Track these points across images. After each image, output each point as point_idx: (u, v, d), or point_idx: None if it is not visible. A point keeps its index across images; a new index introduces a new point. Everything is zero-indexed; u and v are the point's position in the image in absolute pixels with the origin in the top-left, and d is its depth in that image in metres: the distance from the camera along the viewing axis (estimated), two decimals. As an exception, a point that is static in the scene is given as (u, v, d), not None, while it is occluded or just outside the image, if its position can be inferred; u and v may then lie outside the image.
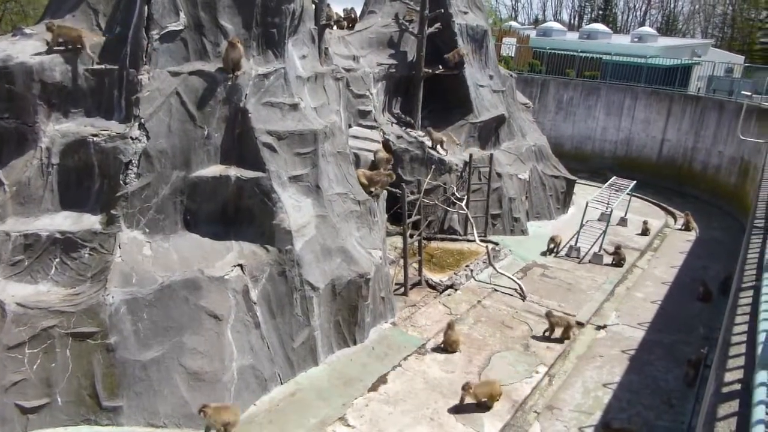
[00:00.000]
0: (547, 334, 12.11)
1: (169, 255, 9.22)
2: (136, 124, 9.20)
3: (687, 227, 20.65)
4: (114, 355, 8.18)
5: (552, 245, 16.69)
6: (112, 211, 8.98)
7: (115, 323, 8.23)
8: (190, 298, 8.87)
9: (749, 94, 24.53)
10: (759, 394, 2.83)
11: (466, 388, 9.42)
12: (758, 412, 2.69)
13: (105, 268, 8.63)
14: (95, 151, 9.17)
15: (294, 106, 10.90)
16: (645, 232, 19.43)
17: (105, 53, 9.77)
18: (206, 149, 9.90)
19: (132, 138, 9.11)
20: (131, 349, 8.31)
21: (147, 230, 9.26)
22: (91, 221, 9.04)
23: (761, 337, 3.27)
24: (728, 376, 3.40)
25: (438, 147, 16.91)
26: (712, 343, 11.34)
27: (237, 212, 10.11)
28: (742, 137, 22.17)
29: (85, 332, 8.12)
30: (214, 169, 9.96)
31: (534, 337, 12.07)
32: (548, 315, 12.20)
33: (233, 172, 9.95)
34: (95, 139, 9.16)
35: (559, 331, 12.08)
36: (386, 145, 16.18)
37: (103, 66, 9.64)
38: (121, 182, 9.03)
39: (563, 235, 18.14)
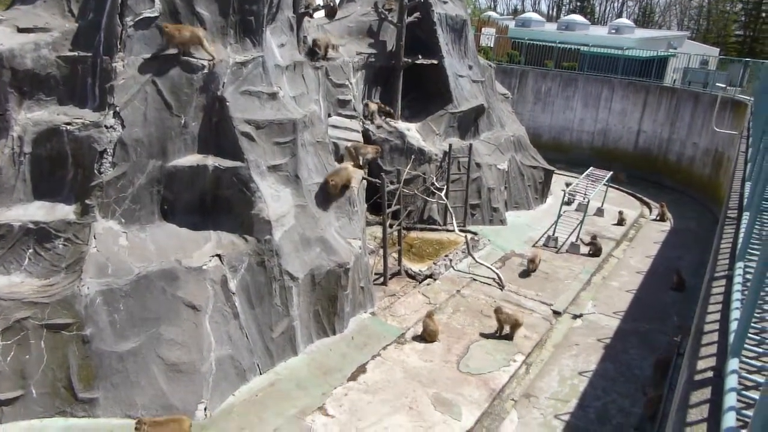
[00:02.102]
0: (496, 332, 11.78)
1: (146, 245, 9.11)
2: (111, 112, 9.04)
3: (662, 218, 20.96)
4: (90, 346, 8.09)
5: (531, 266, 14.90)
6: (87, 201, 8.84)
7: (91, 314, 8.12)
8: (167, 288, 8.78)
9: (724, 86, 24.96)
10: (730, 381, 2.89)
11: (498, 311, 11.49)
12: (730, 399, 2.75)
13: (80, 258, 8.50)
14: (69, 139, 9.00)
15: (272, 95, 10.81)
16: (621, 222, 19.70)
17: (78, 40, 9.58)
18: (183, 138, 9.77)
19: (106, 126, 8.95)
20: (107, 340, 8.21)
21: (123, 220, 9.13)
22: (65, 211, 8.88)
23: (733, 326, 3.34)
24: (701, 364, 3.47)
25: (329, 50, 15.21)
26: (685, 332, 11.57)
27: (215, 202, 10.02)
28: (716, 129, 22.54)
29: (60, 323, 8.01)
30: (192, 159, 9.85)
31: (482, 335, 11.73)
32: (497, 311, 11.80)
33: (211, 161, 9.85)
34: (68, 127, 8.99)
35: (507, 328, 11.68)
36: (365, 135, 16.14)
37: (76, 53, 9.44)
38: (96, 171, 8.88)
39: (541, 225, 18.34)
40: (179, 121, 9.66)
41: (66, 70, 9.43)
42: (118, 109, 9.06)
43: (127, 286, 8.45)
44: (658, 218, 21.07)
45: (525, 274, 14.81)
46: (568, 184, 18.49)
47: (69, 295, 8.09)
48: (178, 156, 9.73)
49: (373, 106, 16.75)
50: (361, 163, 13.33)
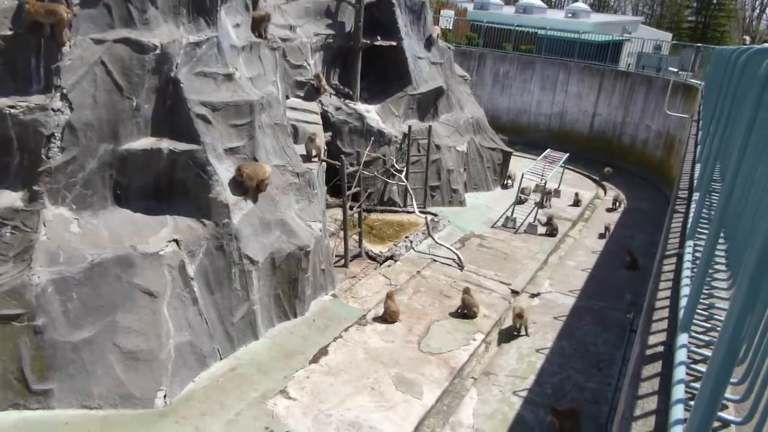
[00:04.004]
0: (459, 311, 11.98)
1: (99, 232, 8.85)
2: (58, 94, 8.66)
3: (615, 205, 20.69)
4: (42, 336, 7.84)
5: (519, 323, 11.63)
6: (35, 187, 8.50)
7: (42, 304, 7.86)
8: (122, 275, 8.57)
9: (676, 70, 25.60)
10: (680, 355, 2.99)
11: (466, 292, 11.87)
12: (679, 372, 2.84)
13: (29, 246, 8.19)
14: (13, 123, 8.56)
15: (228, 77, 10.57)
16: (576, 203, 20.10)
17: (19, 18, 9.11)
18: (135, 121, 9.48)
19: (53, 110, 8.58)
20: (61, 330, 7.97)
21: (74, 206, 8.83)
22: (12, 198, 8.51)
23: (683, 302, 3.44)
24: (652, 339, 3.58)
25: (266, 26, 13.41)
26: (638, 309, 11.94)
27: (171, 186, 9.78)
28: (668, 112, 23.16)
29: (10, 314, 7.72)
30: (145, 142, 9.57)
31: (451, 314, 11.92)
32: (465, 292, 12.05)
33: (166, 144, 9.60)
34: (12, 111, 8.55)
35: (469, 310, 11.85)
36: (324, 116, 15.99)
37: (17, 32, 8.99)
38: (43, 156, 8.52)
39: (499, 206, 18.59)
40: (131, 103, 9.36)
41: (6, 50, 8.97)
42: (65, 91, 8.68)
43: (80, 274, 8.20)
44: (613, 207, 20.76)
45: (510, 333, 11.74)
46: (521, 192, 18.75)
47: (18, 285, 7.79)
48: (130, 139, 9.44)
49: (323, 79, 16.36)
50: (314, 155, 12.89)
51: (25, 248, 8.20)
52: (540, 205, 18.20)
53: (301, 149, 12.97)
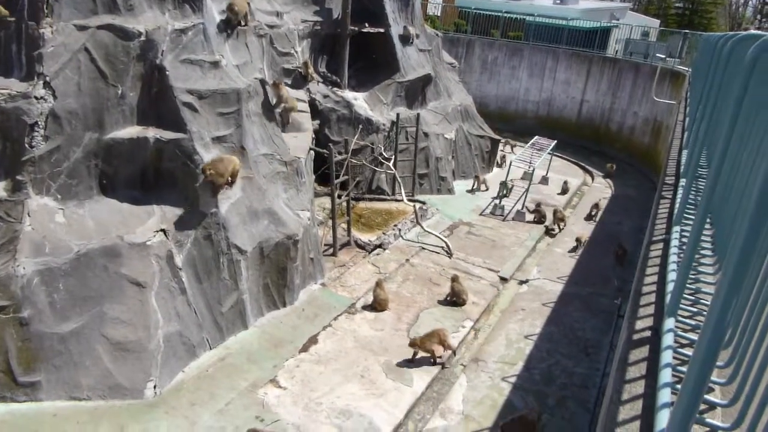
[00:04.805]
0: (448, 298, 12.01)
1: (85, 222, 8.76)
2: (41, 82, 8.53)
3: (609, 175, 21.12)
4: (28, 328, 7.77)
5: (560, 225, 14.34)
6: (18, 177, 8.39)
7: (28, 295, 7.79)
8: (109, 266, 8.50)
9: (663, 57, 25.68)
10: (667, 339, 3.01)
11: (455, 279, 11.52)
12: (666, 356, 2.87)
13: (13, 237, 8.09)
14: (-5, 111, 8.46)
15: (215, 64, 10.46)
16: (565, 191, 20.19)
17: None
18: (121, 109, 9.37)
19: (36, 97, 8.45)
20: (47, 321, 7.91)
21: (59, 196, 8.73)
22: (-5, 187, 8.41)
23: (669, 287, 3.47)
24: (639, 324, 3.60)
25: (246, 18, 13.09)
26: (625, 294, 12.05)
27: (158, 175, 9.70)
28: (655, 99, 23.25)
29: (-5, 305, 7.65)
30: (131, 131, 9.47)
31: (440, 302, 11.97)
32: (454, 279, 12.05)
33: (152, 133, 9.50)
34: (-6, 98, 8.45)
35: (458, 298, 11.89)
36: (312, 104, 15.88)
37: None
38: (27, 145, 8.41)
39: (488, 194, 18.61)
40: (116, 91, 9.24)
41: (-12, 36, 8.82)
42: (48, 78, 8.56)
43: (67, 264, 8.13)
44: (605, 176, 21.15)
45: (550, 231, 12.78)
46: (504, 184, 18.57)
47: (3, 276, 7.71)
48: (116, 128, 9.34)
49: (311, 66, 16.13)
50: (278, 106, 12.28)
51: (9, 239, 8.10)
52: (506, 194, 18.13)
53: (288, 138, 12.88)
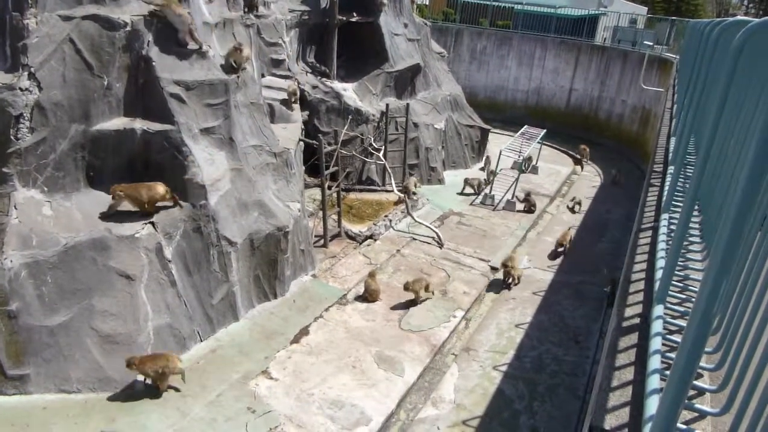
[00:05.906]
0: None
1: (72, 214, 8.68)
2: (26, 73, 8.41)
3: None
4: (16, 321, 7.71)
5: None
6: (4, 169, 8.28)
7: (16, 288, 7.72)
8: (98, 258, 8.44)
9: (651, 44, 25.72)
10: (656, 326, 3.03)
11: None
12: (655, 343, 2.89)
13: (0, 230, 8.01)
14: (-21, 103, 8.34)
15: (202, 54, 10.35)
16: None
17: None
18: (107, 101, 9.26)
19: (21, 89, 8.34)
20: (36, 314, 7.85)
21: (46, 189, 8.64)
22: (-20, 181, 8.31)
23: (658, 274, 3.49)
24: (629, 311, 3.62)
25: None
26: (614, 282, 12.11)
27: (146, 167, 9.61)
28: (644, 86, 23.30)
29: (-18, 299, 7.58)
30: (117, 122, 9.37)
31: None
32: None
33: (139, 124, 9.40)
34: (-22, 90, 8.32)
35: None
36: (300, 94, 15.78)
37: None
38: (12, 138, 8.30)
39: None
40: (102, 82, 9.13)
41: (-29, 27, 8.68)
42: (33, 69, 8.43)
43: (54, 257, 8.06)
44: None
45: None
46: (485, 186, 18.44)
47: (-10, 270, 7.64)
48: (102, 119, 9.23)
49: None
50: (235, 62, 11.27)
51: (-5, 233, 8.02)
52: (486, 183, 18.11)
53: (277, 129, 12.81)
